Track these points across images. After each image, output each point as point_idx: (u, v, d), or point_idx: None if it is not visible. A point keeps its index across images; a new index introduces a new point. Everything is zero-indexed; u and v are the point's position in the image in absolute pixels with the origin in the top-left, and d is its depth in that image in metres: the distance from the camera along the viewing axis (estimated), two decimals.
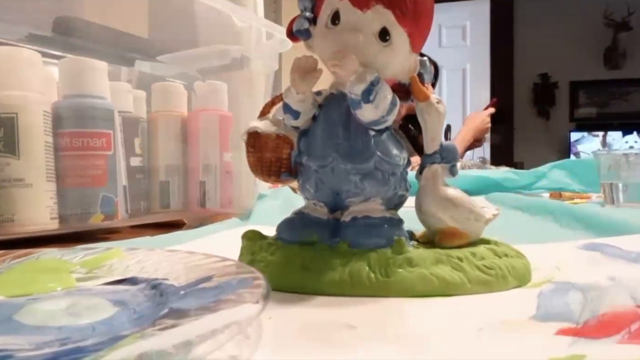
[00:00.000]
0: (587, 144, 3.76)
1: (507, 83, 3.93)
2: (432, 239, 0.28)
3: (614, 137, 3.78)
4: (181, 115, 0.61)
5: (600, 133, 3.75)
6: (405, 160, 0.28)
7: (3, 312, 0.20)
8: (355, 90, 0.25)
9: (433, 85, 1.57)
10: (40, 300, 0.22)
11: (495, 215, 0.29)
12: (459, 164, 0.30)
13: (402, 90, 0.28)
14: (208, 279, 0.21)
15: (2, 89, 0.43)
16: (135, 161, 0.56)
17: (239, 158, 0.62)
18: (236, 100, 0.64)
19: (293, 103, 0.27)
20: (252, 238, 0.29)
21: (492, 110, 1.67)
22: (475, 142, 1.66)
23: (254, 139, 0.29)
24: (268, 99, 0.31)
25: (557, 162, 0.95)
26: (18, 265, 0.25)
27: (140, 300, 0.21)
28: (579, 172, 0.91)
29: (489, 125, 1.65)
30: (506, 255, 0.27)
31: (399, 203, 0.28)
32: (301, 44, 0.28)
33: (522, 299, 0.24)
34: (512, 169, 1.05)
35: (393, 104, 0.26)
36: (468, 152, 1.76)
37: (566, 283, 0.25)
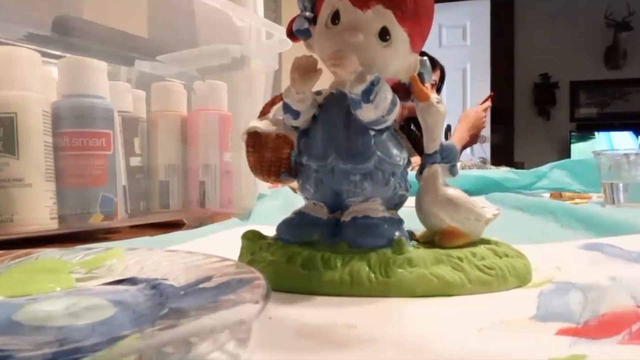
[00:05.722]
0: None
1: (507, 83, 3.93)
2: (432, 239, 0.28)
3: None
4: (181, 115, 0.61)
5: None
6: (406, 160, 0.28)
7: (3, 312, 0.20)
8: (355, 90, 0.25)
9: (439, 88, 1.57)
10: (39, 300, 0.21)
11: (495, 215, 0.29)
12: (459, 164, 0.30)
13: (403, 90, 0.28)
14: (208, 279, 0.21)
15: (1, 89, 0.43)
16: (134, 161, 0.55)
17: (239, 158, 0.62)
18: (236, 100, 0.64)
19: (293, 103, 0.27)
20: (252, 238, 0.29)
21: (488, 104, 1.65)
22: (473, 140, 1.66)
23: (254, 139, 0.29)
24: (268, 98, 0.31)
25: (558, 162, 0.95)
26: (17, 266, 0.25)
27: (140, 301, 0.21)
28: (579, 172, 0.91)
29: (484, 119, 1.64)
30: (506, 255, 0.27)
31: (399, 203, 0.28)
32: (301, 43, 0.28)
33: (522, 299, 0.24)
34: (513, 169, 1.05)
35: (393, 104, 0.26)
36: (467, 151, 1.76)
37: (566, 283, 0.25)
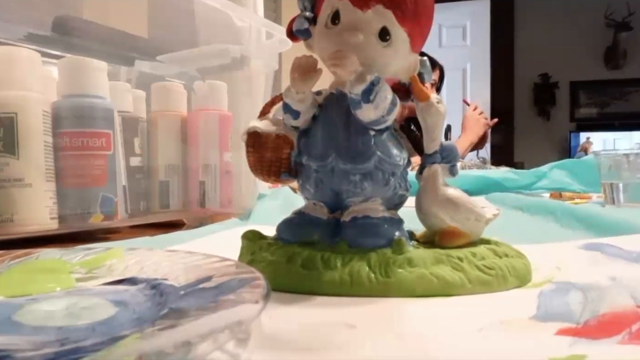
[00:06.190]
0: None
1: (507, 83, 3.93)
2: (432, 239, 0.28)
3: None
4: (181, 115, 0.61)
5: None
6: (406, 160, 0.28)
7: (3, 312, 0.20)
8: (355, 90, 0.25)
9: (439, 88, 1.57)
10: (39, 300, 0.21)
11: (495, 215, 0.29)
12: (459, 164, 0.30)
13: (403, 90, 0.28)
14: (208, 279, 0.21)
15: (1, 89, 0.43)
16: (134, 161, 0.55)
17: (239, 158, 0.62)
18: (236, 100, 0.64)
19: (293, 103, 0.27)
20: (252, 238, 0.29)
21: (473, 104, 1.69)
22: (482, 141, 1.66)
23: (254, 139, 0.29)
24: (268, 99, 0.31)
25: (558, 162, 0.95)
26: (17, 266, 0.25)
27: (140, 301, 0.21)
28: (579, 172, 0.91)
29: (481, 119, 1.66)
30: (506, 255, 0.27)
31: (399, 203, 0.28)
32: (301, 43, 0.28)
33: (522, 299, 0.24)
34: (513, 169, 1.05)
35: (393, 104, 0.26)
36: (471, 153, 1.77)
37: (566, 283, 0.25)
